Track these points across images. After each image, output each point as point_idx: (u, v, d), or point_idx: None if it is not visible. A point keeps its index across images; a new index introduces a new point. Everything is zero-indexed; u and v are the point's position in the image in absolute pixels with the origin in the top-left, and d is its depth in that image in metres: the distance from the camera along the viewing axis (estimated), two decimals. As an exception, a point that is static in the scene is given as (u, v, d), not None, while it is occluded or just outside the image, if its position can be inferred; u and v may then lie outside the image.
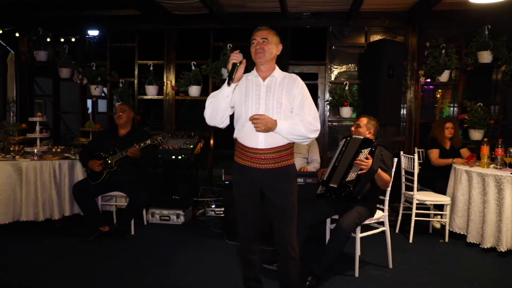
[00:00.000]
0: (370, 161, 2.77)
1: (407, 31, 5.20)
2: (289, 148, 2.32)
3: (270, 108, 2.25)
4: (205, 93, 5.41)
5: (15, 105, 5.78)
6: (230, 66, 2.20)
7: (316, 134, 2.29)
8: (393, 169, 3.14)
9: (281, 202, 2.31)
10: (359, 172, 2.80)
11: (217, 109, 2.26)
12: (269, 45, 2.26)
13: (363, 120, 3.17)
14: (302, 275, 2.68)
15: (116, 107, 4.12)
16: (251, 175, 2.29)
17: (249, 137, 2.26)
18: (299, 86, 2.30)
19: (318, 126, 2.28)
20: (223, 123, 2.32)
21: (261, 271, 2.59)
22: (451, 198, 3.89)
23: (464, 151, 4.35)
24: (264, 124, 2.13)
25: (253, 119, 2.15)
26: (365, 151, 2.85)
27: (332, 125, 5.47)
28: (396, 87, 4.60)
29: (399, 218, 4.15)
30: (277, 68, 2.36)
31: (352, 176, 2.83)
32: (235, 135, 2.37)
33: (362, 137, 3.02)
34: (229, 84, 2.21)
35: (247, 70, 2.32)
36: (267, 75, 2.31)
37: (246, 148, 2.28)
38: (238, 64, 2.20)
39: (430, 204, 4.11)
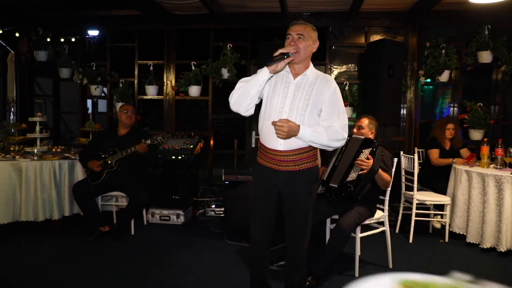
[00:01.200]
0: (371, 161, 2.76)
1: (407, 31, 5.20)
2: (311, 150, 2.21)
3: (295, 109, 2.13)
4: (205, 93, 5.42)
5: (15, 105, 5.78)
6: (278, 53, 2.05)
7: (340, 144, 2.18)
8: (393, 169, 3.14)
9: (297, 207, 2.24)
10: (360, 172, 2.80)
11: (246, 95, 2.11)
12: (304, 42, 2.13)
13: (364, 121, 3.15)
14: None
15: (122, 106, 4.03)
16: (270, 177, 2.23)
17: (269, 137, 2.18)
18: (331, 89, 2.16)
19: (345, 135, 2.15)
20: (247, 111, 2.18)
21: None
22: (451, 198, 3.89)
23: (464, 151, 4.34)
24: (287, 132, 2.03)
25: (275, 124, 2.05)
26: (366, 151, 2.85)
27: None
28: (396, 87, 4.61)
29: (399, 218, 4.15)
30: (311, 66, 2.23)
31: (352, 176, 2.83)
32: (259, 134, 2.30)
33: (363, 137, 3.02)
34: (269, 65, 2.06)
35: None
36: (299, 73, 2.20)
37: (266, 149, 2.22)
38: (286, 55, 2.05)
39: (430, 204, 4.11)
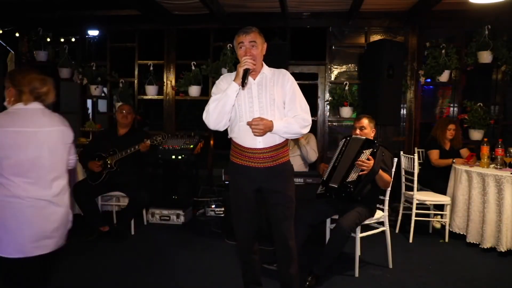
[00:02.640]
0: (372, 162, 2.76)
1: (407, 31, 5.19)
2: (285, 146, 2.36)
3: (264, 106, 2.26)
4: (205, 93, 5.41)
5: (15, 105, 5.77)
6: (241, 71, 2.15)
7: (308, 129, 2.32)
8: (393, 169, 3.13)
9: (280, 200, 2.32)
10: (360, 173, 2.80)
11: (223, 113, 2.21)
12: (257, 49, 2.25)
13: (365, 121, 3.12)
14: (302, 275, 2.68)
15: (119, 106, 4.07)
16: (249, 175, 2.30)
17: (246, 137, 2.26)
18: (290, 81, 2.32)
19: (310, 120, 2.31)
20: (226, 125, 2.29)
21: (261, 271, 2.59)
22: (451, 198, 3.89)
23: (464, 151, 4.34)
24: (263, 130, 2.17)
25: (251, 124, 2.16)
26: (367, 152, 2.84)
27: (332, 125, 5.47)
28: (396, 87, 4.60)
29: (399, 218, 4.15)
30: (264, 65, 2.35)
31: (353, 176, 2.83)
32: (230, 135, 2.37)
33: (364, 137, 3.01)
34: (243, 87, 2.18)
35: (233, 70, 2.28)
36: (257, 73, 2.31)
37: (244, 148, 2.29)
38: (248, 70, 2.17)
39: (430, 204, 4.11)
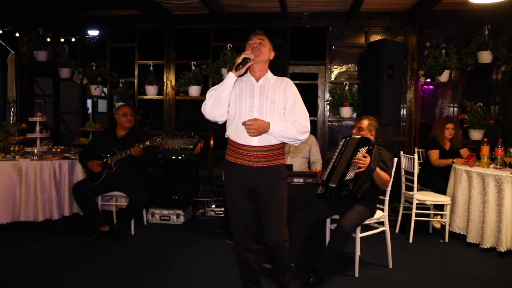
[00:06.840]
0: (368, 159, 2.78)
1: (407, 31, 5.19)
2: (281, 148, 2.37)
3: (264, 107, 2.29)
4: (205, 93, 5.38)
5: (15, 105, 5.77)
6: (240, 59, 2.24)
7: (306, 136, 2.32)
8: (393, 169, 3.14)
9: (271, 201, 2.32)
10: (357, 170, 2.81)
11: (218, 101, 2.26)
12: (264, 47, 2.35)
13: (364, 122, 3.15)
14: (303, 274, 2.69)
15: (120, 109, 4.01)
16: (242, 173, 2.31)
17: (242, 135, 2.28)
18: (292, 88, 2.37)
19: (309, 127, 2.33)
20: (222, 116, 2.32)
21: (260, 270, 2.59)
22: (451, 198, 3.89)
23: (464, 151, 4.34)
24: (257, 130, 2.19)
25: (245, 124, 2.20)
26: (363, 150, 2.87)
27: (332, 125, 5.48)
28: (396, 87, 4.60)
29: (399, 218, 4.15)
30: (269, 71, 2.42)
31: (350, 175, 2.84)
32: (227, 133, 2.40)
33: (359, 136, 3.04)
34: (236, 70, 2.23)
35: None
36: (261, 76, 2.37)
37: (239, 145, 2.30)
38: (248, 59, 2.25)
39: (430, 204, 4.12)
